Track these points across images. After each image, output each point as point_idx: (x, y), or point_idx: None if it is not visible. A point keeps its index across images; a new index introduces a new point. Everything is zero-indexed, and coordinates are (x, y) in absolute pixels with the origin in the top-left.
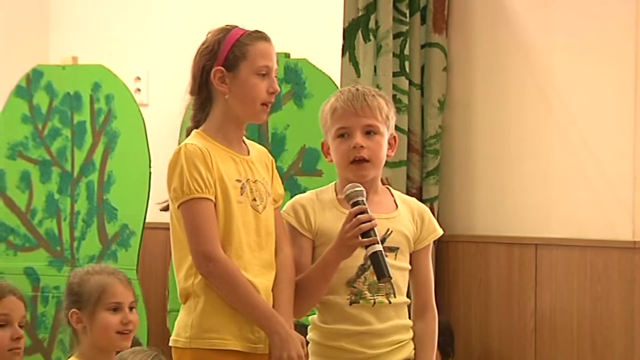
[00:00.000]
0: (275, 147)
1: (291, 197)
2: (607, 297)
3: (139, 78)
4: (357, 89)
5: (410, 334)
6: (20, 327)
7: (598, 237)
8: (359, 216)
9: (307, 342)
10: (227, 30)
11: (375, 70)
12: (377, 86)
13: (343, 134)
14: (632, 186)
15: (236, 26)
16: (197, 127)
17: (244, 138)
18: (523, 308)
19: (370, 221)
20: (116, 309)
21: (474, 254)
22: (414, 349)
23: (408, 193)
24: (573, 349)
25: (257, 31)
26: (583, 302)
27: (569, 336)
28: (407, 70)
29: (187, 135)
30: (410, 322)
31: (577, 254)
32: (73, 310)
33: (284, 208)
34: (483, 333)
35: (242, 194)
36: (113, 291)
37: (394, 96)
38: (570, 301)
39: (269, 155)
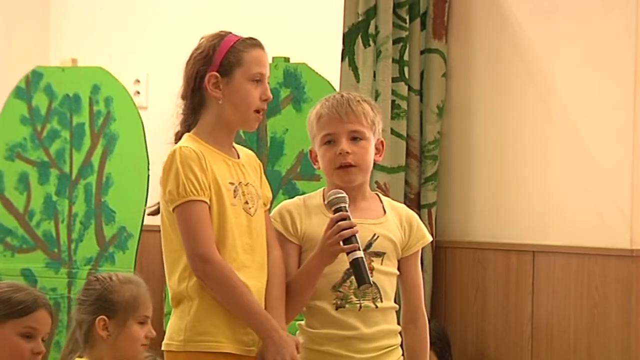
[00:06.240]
0: (274, 151)
1: None
2: (604, 304)
3: (138, 81)
4: (342, 95)
5: (399, 340)
6: (43, 340)
7: (596, 244)
8: (339, 223)
9: None
10: (221, 36)
11: (374, 76)
12: (376, 91)
13: (329, 141)
14: (630, 194)
15: (230, 32)
16: (187, 131)
17: (233, 143)
18: (520, 315)
19: (351, 227)
20: (143, 322)
21: (472, 260)
22: (406, 356)
23: (406, 198)
24: (570, 357)
25: (251, 38)
26: (580, 310)
27: (566, 343)
28: (407, 75)
29: (177, 139)
30: (399, 328)
31: (574, 261)
32: (102, 317)
33: (271, 214)
34: (479, 339)
35: (235, 197)
36: (146, 305)
37: (393, 102)
38: (567, 308)
39: (257, 159)
